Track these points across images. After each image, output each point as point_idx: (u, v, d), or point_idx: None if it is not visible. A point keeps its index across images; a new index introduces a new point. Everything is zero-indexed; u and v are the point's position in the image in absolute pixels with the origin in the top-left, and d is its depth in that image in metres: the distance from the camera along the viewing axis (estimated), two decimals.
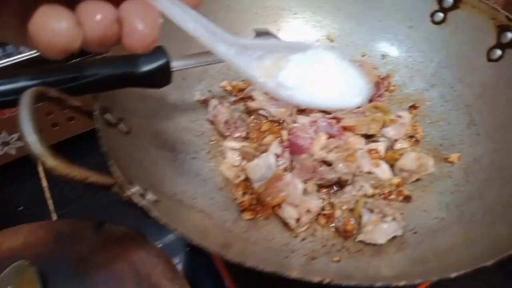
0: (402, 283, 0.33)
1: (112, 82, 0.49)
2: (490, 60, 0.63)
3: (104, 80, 0.48)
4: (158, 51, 0.51)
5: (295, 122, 0.67)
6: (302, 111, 0.69)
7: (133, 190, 0.42)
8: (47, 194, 0.82)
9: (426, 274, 0.36)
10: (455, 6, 0.67)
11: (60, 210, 0.80)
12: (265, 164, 0.57)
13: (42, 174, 0.85)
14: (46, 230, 0.69)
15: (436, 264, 0.43)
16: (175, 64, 0.54)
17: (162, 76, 0.52)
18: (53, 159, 0.37)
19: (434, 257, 0.45)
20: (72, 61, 0.52)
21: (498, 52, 0.62)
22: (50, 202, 0.81)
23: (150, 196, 0.45)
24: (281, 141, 0.61)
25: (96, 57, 0.70)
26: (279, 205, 0.55)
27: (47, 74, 0.45)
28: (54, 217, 0.79)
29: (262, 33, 0.64)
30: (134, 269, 0.64)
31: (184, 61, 0.55)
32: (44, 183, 0.84)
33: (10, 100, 0.43)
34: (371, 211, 0.53)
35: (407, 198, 0.57)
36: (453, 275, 0.35)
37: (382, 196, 0.57)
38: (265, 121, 0.68)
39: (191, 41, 0.68)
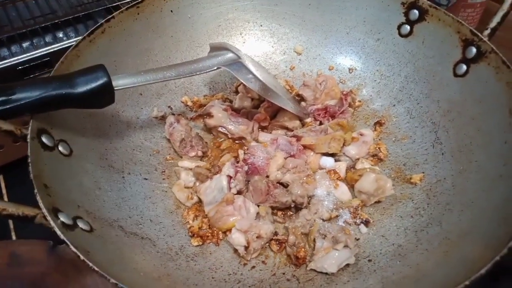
0: None
1: (47, 105, 0.46)
2: (456, 75, 0.61)
3: (37, 102, 0.45)
4: (97, 70, 0.48)
5: (256, 140, 0.64)
6: (264, 127, 0.67)
7: (58, 222, 0.39)
8: None
9: None
10: (421, 18, 0.65)
11: (21, 229, 0.77)
12: (217, 186, 0.55)
13: (4, 190, 0.82)
14: (0, 251, 0.66)
15: None
16: (120, 83, 0.51)
17: (103, 96, 0.49)
18: None
19: (381, 285, 0.42)
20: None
21: (464, 67, 0.60)
22: (10, 221, 0.79)
23: (81, 225, 0.43)
24: (236, 161, 0.58)
25: (30, 78, 0.68)
26: (230, 231, 0.52)
27: None
28: (13, 236, 0.77)
29: (217, 48, 0.62)
30: None
31: (130, 79, 0.53)
32: (6, 198, 0.81)
33: None
34: (324, 236, 0.50)
35: (365, 222, 0.54)
36: None
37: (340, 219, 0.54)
38: (224, 139, 0.65)
39: (147, 57, 0.67)
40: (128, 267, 0.42)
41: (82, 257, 0.36)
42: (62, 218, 0.40)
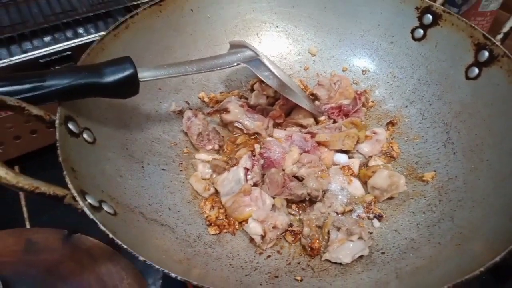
0: None
1: (76, 92, 0.48)
2: (468, 78, 0.63)
3: (66, 90, 0.47)
4: (124, 61, 0.50)
5: (270, 136, 0.66)
6: (278, 124, 0.68)
7: (86, 202, 0.41)
8: (23, 202, 0.81)
9: None
10: (435, 23, 0.67)
11: (35, 219, 0.79)
12: (234, 178, 0.56)
13: None
14: (16, 238, 0.68)
15: (395, 285, 0.42)
16: (145, 75, 0.53)
17: (129, 87, 0.51)
18: (0, 168, 0.36)
19: (397, 279, 0.43)
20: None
21: (476, 70, 0.61)
22: (25, 210, 0.80)
23: (106, 208, 0.45)
24: (253, 155, 0.60)
25: (61, 67, 0.71)
26: (246, 221, 0.53)
27: (7, 82, 0.45)
28: (28, 225, 0.78)
29: (236, 45, 0.64)
30: (101, 281, 0.63)
31: (154, 72, 0.55)
32: None
33: None
34: (338, 229, 0.51)
35: (378, 217, 0.55)
36: None
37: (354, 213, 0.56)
38: (240, 134, 0.67)
39: (167, 53, 0.69)
40: (151, 249, 0.43)
41: (111, 235, 0.37)
42: (89, 200, 0.42)
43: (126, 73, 0.50)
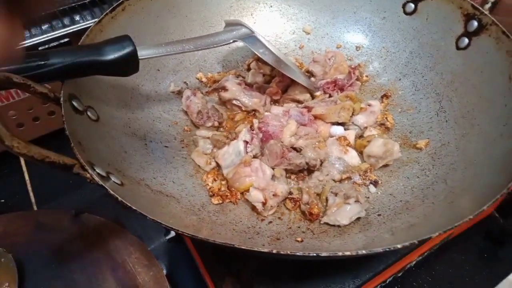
0: (347, 253, 0.34)
1: (78, 70, 0.49)
2: (458, 48, 0.64)
3: (69, 67, 0.48)
4: (123, 39, 0.52)
5: (268, 112, 0.68)
6: (276, 101, 0.70)
7: (94, 172, 0.43)
8: (29, 187, 0.83)
9: (371, 247, 0.37)
10: None
11: (41, 205, 0.81)
12: (235, 150, 0.58)
13: (25, 168, 0.86)
14: (25, 220, 0.70)
15: (390, 240, 0.44)
16: (143, 53, 0.55)
17: (129, 65, 0.53)
18: (11, 138, 0.38)
19: (392, 236, 0.46)
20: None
21: (466, 40, 0.63)
22: (31, 195, 0.82)
23: (114, 179, 0.47)
24: (252, 129, 0.62)
25: (62, 47, 0.73)
26: (247, 191, 0.55)
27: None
28: (35, 209, 0.80)
29: (232, 24, 0.65)
30: (110, 257, 0.65)
31: (153, 50, 0.56)
32: (27, 176, 0.85)
33: None
34: (336, 194, 0.53)
35: (374, 183, 0.58)
36: (399, 246, 0.35)
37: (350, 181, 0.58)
38: (238, 111, 0.69)
39: (163, 34, 0.70)
40: (158, 215, 0.45)
41: (120, 198, 0.39)
42: (97, 170, 0.44)
43: (126, 50, 0.51)
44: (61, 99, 0.49)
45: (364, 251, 0.34)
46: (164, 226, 0.38)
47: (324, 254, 0.34)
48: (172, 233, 0.73)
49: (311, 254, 0.34)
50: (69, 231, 0.68)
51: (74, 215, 0.70)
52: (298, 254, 0.34)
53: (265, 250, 0.34)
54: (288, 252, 0.34)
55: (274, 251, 0.34)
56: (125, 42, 0.52)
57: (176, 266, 0.72)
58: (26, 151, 0.39)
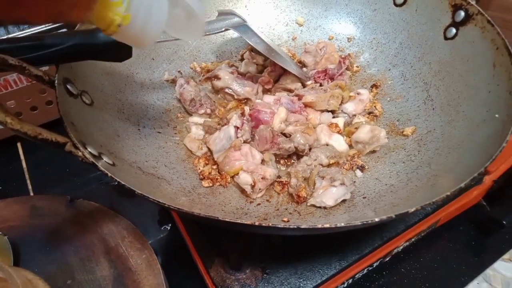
0: (326, 225, 0.36)
1: (73, 54, 0.51)
2: (446, 38, 0.66)
3: (64, 51, 0.50)
4: None
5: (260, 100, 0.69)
6: (267, 90, 0.72)
7: (86, 151, 0.44)
8: (27, 175, 0.85)
9: (351, 220, 0.38)
10: None
11: (38, 193, 0.82)
12: (225, 136, 0.60)
13: (22, 156, 0.88)
14: (21, 205, 0.71)
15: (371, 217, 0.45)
16: None
17: (122, 50, 0.54)
18: (5, 114, 0.40)
19: (375, 213, 0.47)
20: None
21: (453, 30, 0.64)
22: (29, 182, 0.84)
23: (105, 159, 0.48)
24: (243, 115, 0.63)
25: (58, 31, 0.74)
26: (237, 174, 0.57)
27: (8, 43, 0.48)
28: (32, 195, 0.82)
29: (224, 13, 0.67)
30: (104, 240, 0.66)
31: None
32: (24, 164, 0.86)
33: None
34: (323, 178, 0.55)
35: (361, 168, 0.59)
36: (376, 219, 0.37)
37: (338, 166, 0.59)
38: (231, 99, 0.70)
39: None
40: (149, 193, 0.46)
41: (110, 174, 0.41)
42: (89, 149, 0.45)
43: None
44: (56, 82, 0.50)
45: (343, 224, 0.36)
46: (152, 200, 0.39)
47: (303, 226, 0.36)
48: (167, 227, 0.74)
49: (291, 227, 0.36)
50: (64, 216, 0.70)
51: (69, 201, 0.71)
52: (279, 226, 0.36)
53: (248, 222, 0.36)
54: (270, 224, 0.36)
55: (256, 223, 0.36)
56: None
57: (171, 258, 0.73)
58: (19, 127, 0.40)
